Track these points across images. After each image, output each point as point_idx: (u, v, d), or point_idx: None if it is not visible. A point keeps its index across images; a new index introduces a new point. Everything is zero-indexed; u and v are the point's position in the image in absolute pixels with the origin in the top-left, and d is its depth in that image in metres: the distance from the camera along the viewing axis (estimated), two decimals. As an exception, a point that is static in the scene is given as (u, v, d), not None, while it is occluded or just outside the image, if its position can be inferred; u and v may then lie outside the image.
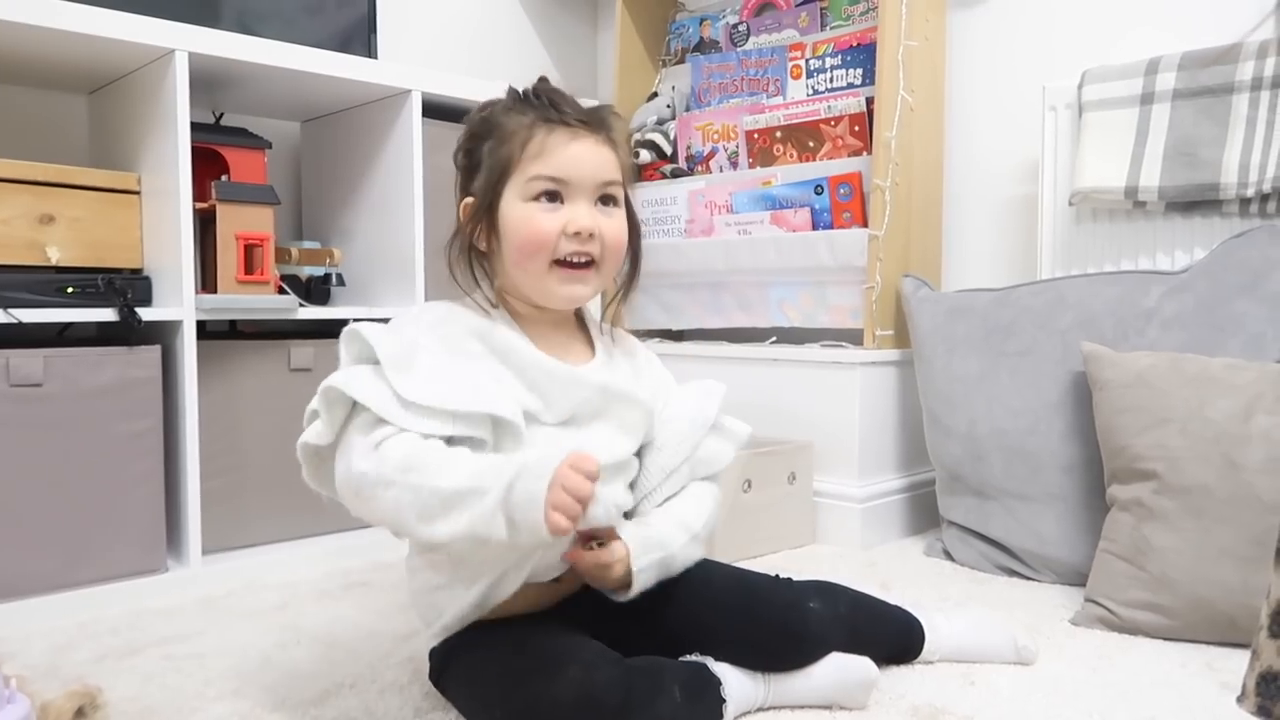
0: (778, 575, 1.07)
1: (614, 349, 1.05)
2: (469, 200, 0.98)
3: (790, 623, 0.98)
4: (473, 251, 0.98)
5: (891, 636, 1.09)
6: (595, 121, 0.97)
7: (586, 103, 1.00)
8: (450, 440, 0.87)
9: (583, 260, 0.96)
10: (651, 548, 0.95)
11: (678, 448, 1.03)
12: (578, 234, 0.94)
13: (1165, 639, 1.16)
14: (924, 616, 1.12)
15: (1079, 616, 1.24)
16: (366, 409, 0.85)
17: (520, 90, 0.99)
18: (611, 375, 1.00)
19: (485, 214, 0.96)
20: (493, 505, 0.81)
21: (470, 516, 0.82)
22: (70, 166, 1.40)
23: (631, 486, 1.02)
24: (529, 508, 0.80)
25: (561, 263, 0.95)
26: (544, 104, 0.96)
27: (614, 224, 0.97)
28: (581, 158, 0.95)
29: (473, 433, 0.88)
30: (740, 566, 1.12)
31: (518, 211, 0.94)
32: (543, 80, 0.99)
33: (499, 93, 1.01)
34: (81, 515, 1.33)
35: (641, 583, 0.94)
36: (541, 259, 0.94)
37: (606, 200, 0.97)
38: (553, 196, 0.94)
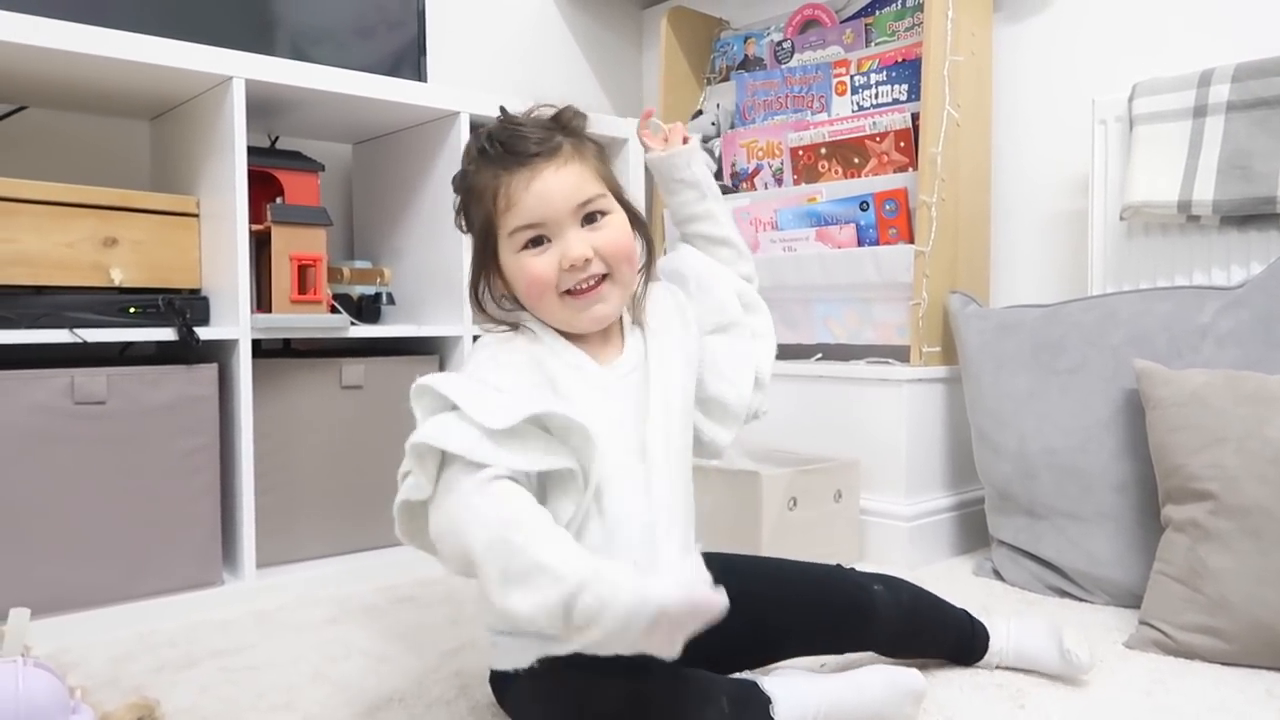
0: (839, 565, 1.12)
1: (643, 333, 1.04)
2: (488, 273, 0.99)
3: (859, 602, 1.04)
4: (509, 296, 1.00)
5: (954, 632, 1.12)
6: (549, 146, 0.94)
7: (547, 110, 0.99)
8: (543, 478, 0.87)
9: (591, 283, 0.95)
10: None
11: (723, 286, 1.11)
12: (573, 266, 0.93)
13: (1223, 663, 1.14)
14: (987, 621, 1.15)
15: (1133, 639, 1.21)
16: (461, 456, 0.83)
17: (482, 138, 0.97)
18: (638, 362, 1.00)
19: (494, 269, 0.98)
20: (562, 594, 0.73)
21: (540, 596, 0.74)
22: (132, 191, 1.45)
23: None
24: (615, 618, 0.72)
25: (571, 292, 0.95)
26: (499, 150, 0.94)
27: (608, 234, 0.96)
28: (546, 194, 0.93)
29: (562, 463, 0.86)
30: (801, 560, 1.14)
31: (513, 264, 0.95)
32: (501, 116, 0.98)
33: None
34: (141, 529, 1.37)
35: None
36: (550, 297, 0.95)
37: (592, 217, 0.95)
38: (538, 241, 0.94)
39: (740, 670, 1.01)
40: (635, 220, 1.01)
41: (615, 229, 0.96)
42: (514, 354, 0.95)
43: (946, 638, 1.12)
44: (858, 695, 0.96)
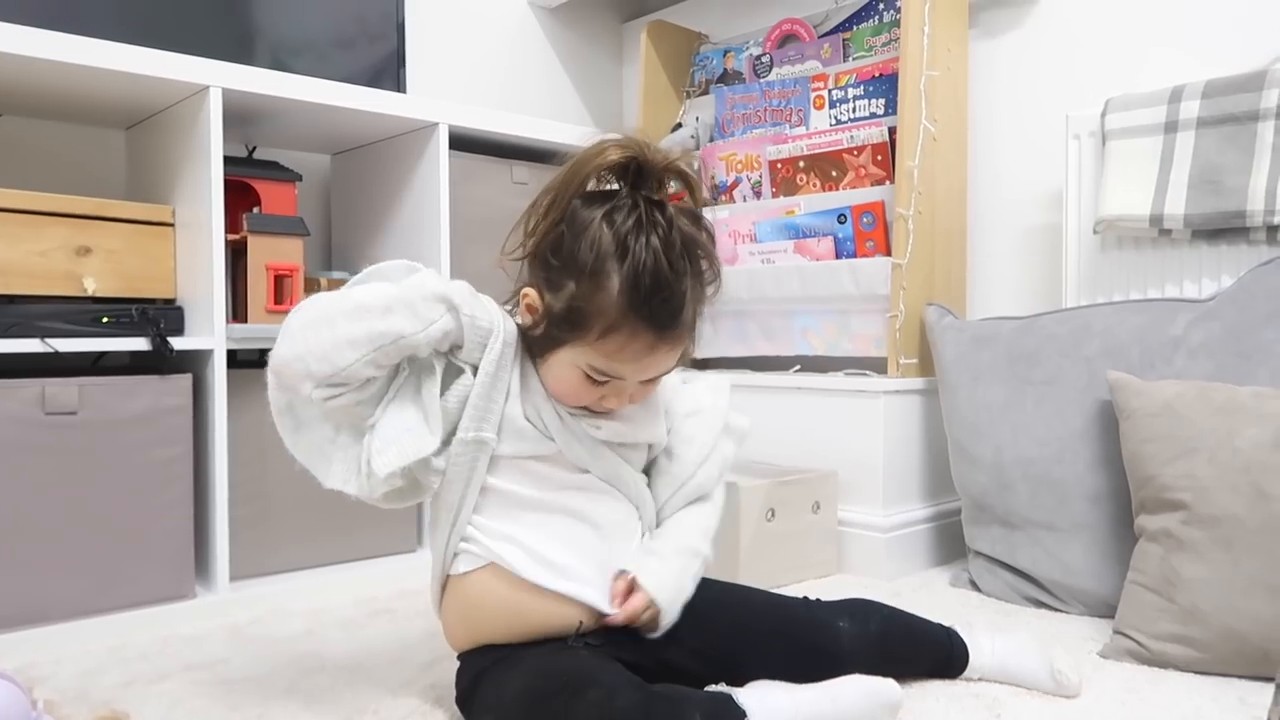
0: (807, 597, 1.11)
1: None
2: (531, 299, 0.97)
3: (823, 642, 1.03)
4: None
5: (929, 653, 1.12)
6: (678, 327, 0.94)
7: (693, 229, 0.97)
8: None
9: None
10: (674, 590, 1.00)
11: (702, 444, 1.07)
12: (607, 407, 0.99)
13: (1196, 672, 1.14)
14: (968, 635, 1.14)
15: (1108, 649, 1.22)
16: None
17: (640, 254, 0.90)
18: (615, 428, 1.02)
19: (539, 337, 0.98)
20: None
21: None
22: (107, 200, 1.44)
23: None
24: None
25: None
26: (642, 298, 0.90)
27: (647, 390, 1.00)
28: (643, 369, 0.96)
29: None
30: (771, 591, 1.15)
31: (565, 368, 0.96)
32: (657, 267, 0.90)
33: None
34: (112, 541, 1.35)
35: (668, 624, 1.00)
36: (571, 403, 0.99)
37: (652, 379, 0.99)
38: (602, 381, 0.96)
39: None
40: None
41: (656, 385, 1.01)
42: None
43: (921, 659, 1.12)
44: (834, 706, 0.96)
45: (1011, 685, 1.11)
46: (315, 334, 0.92)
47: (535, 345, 0.99)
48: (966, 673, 1.12)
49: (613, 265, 0.91)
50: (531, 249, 0.97)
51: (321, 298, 0.96)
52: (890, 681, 0.98)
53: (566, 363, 0.96)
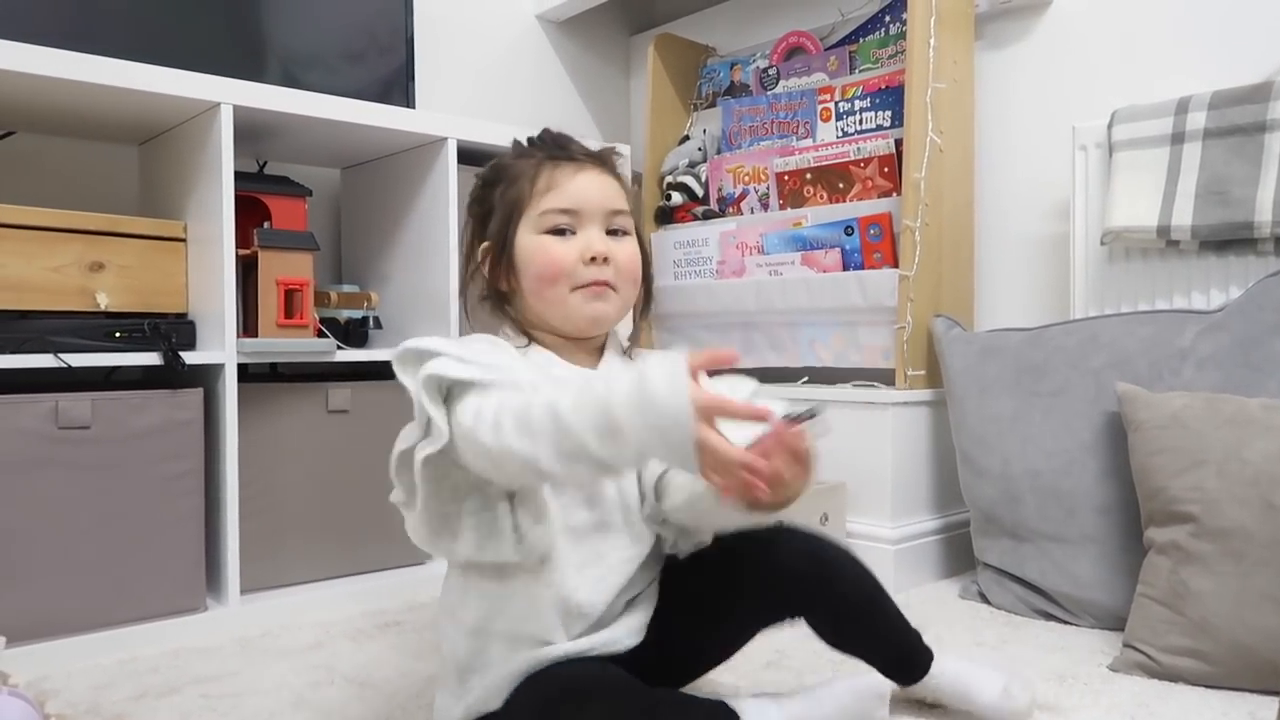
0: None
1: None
2: (486, 244, 1.01)
3: (822, 556, 1.03)
4: (496, 293, 1.02)
5: (895, 641, 1.06)
6: (598, 157, 1.02)
7: (590, 144, 1.06)
8: None
9: (600, 283, 0.98)
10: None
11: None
12: (594, 259, 0.96)
13: (1206, 686, 1.14)
14: (936, 655, 1.09)
15: (1117, 662, 1.22)
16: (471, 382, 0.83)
17: (526, 138, 1.04)
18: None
19: (502, 254, 0.99)
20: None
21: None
22: (120, 215, 1.45)
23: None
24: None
25: (580, 288, 0.97)
26: (548, 145, 1.01)
27: (626, 249, 1.00)
28: (589, 187, 0.99)
29: None
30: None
31: (532, 244, 0.97)
32: (545, 130, 1.05)
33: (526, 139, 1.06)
34: (124, 555, 1.36)
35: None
36: (562, 287, 0.97)
37: (615, 231, 1.00)
38: (563, 231, 0.97)
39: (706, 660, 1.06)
40: (644, 259, 1.04)
41: (631, 248, 1.01)
42: (502, 347, 0.96)
43: (893, 639, 1.05)
44: (820, 709, 0.98)
45: (960, 708, 1.05)
46: None
47: (503, 270, 0.99)
48: (926, 680, 1.05)
49: (514, 155, 1.03)
50: (470, 223, 1.06)
51: None
52: (875, 674, 1.01)
53: (530, 239, 0.97)
